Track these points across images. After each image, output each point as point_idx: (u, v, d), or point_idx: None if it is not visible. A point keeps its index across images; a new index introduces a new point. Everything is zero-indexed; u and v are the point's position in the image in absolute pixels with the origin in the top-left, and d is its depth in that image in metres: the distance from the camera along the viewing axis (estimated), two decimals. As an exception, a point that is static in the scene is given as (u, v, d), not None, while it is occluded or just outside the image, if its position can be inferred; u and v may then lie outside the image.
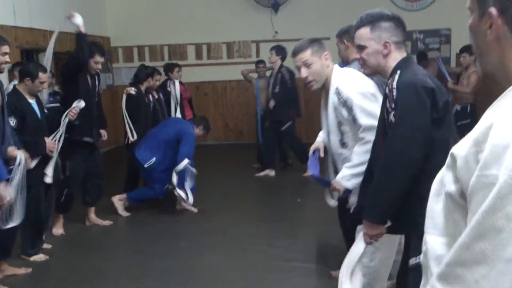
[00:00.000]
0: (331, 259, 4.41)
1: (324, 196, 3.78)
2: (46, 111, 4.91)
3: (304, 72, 3.26)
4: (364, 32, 2.58)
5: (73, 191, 5.35)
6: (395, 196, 2.40)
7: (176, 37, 10.58)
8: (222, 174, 8.05)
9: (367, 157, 2.91)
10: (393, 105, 2.39)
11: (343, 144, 3.28)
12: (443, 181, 1.10)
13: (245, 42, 10.58)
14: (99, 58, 5.32)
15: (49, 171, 4.69)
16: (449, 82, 7.18)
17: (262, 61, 8.37)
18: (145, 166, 5.85)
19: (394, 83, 2.42)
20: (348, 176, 3.14)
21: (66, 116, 4.93)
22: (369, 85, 3.22)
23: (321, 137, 3.69)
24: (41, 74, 4.56)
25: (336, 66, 3.34)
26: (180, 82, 7.94)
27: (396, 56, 2.57)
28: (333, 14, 9.52)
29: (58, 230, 5.38)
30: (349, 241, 3.09)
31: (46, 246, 4.93)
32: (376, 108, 3.05)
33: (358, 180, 3.00)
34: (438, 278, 1.00)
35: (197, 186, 6.14)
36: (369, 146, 2.92)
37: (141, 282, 4.27)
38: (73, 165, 5.28)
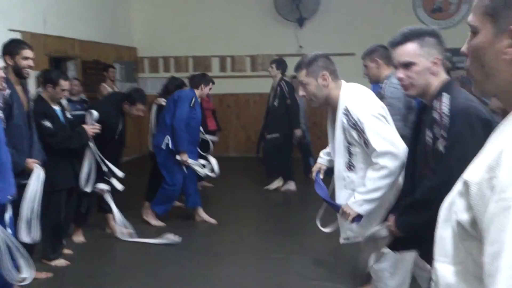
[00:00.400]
0: (348, 277, 4.38)
1: (316, 221, 3.68)
2: (70, 117, 4.97)
3: (301, 91, 3.23)
4: (411, 48, 2.32)
5: (90, 202, 5.39)
6: (431, 220, 2.34)
7: (201, 49, 10.69)
8: (242, 186, 8.07)
9: (381, 183, 2.85)
10: (444, 133, 2.20)
11: (350, 166, 3.09)
12: (454, 208, 1.07)
13: (270, 55, 10.60)
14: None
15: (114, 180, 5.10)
16: (489, 104, 7.08)
17: (294, 76, 8.32)
18: (162, 146, 5.89)
19: (445, 109, 2.21)
20: (360, 201, 2.95)
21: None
22: (379, 107, 3.06)
23: (322, 158, 3.49)
24: (62, 82, 4.64)
25: (345, 83, 3.13)
26: (204, 93, 8.00)
27: (442, 76, 2.36)
28: (358, 29, 9.53)
29: (79, 237, 5.45)
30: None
31: (67, 251, 5.00)
32: (390, 132, 2.95)
33: (371, 206, 2.92)
34: None
35: (216, 198, 6.16)
36: (384, 172, 2.85)
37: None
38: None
